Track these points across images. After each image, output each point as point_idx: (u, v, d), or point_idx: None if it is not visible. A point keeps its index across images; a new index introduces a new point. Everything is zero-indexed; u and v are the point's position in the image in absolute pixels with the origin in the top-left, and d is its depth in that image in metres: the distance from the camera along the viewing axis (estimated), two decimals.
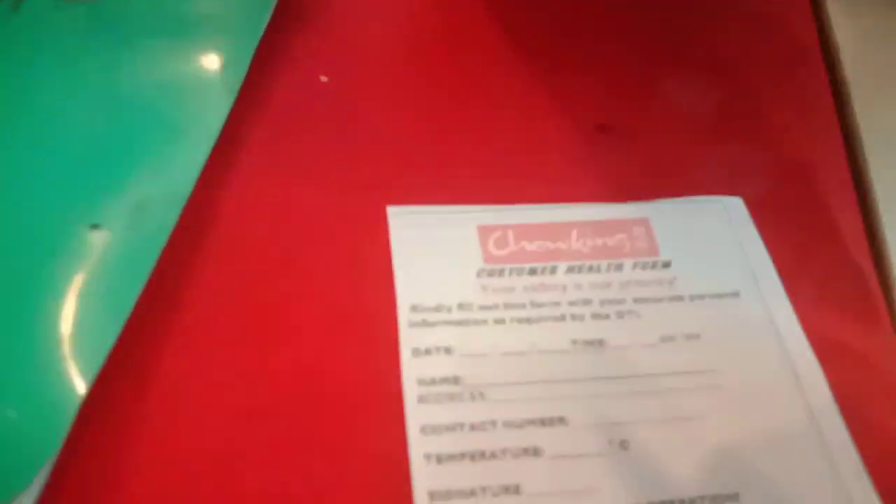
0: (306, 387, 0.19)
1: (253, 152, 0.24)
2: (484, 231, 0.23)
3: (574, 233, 0.23)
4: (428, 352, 0.20)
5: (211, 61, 0.25)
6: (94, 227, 0.20)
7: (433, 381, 0.20)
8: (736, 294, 0.22)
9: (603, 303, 0.22)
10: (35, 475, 0.16)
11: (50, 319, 0.18)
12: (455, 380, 0.20)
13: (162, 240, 0.20)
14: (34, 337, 0.18)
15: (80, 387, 0.17)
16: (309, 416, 0.19)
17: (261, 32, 0.25)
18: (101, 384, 0.18)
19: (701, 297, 0.22)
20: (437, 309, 0.21)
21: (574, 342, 0.21)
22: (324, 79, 0.27)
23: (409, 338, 0.21)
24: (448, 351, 0.21)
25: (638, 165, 0.25)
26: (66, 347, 0.18)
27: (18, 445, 0.17)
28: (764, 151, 0.27)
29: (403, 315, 0.21)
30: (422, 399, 0.20)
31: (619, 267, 0.23)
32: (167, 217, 0.20)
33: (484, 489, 0.18)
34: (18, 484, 0.16)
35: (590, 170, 0.25)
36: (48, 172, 0.21)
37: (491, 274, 0.22)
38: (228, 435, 0.18)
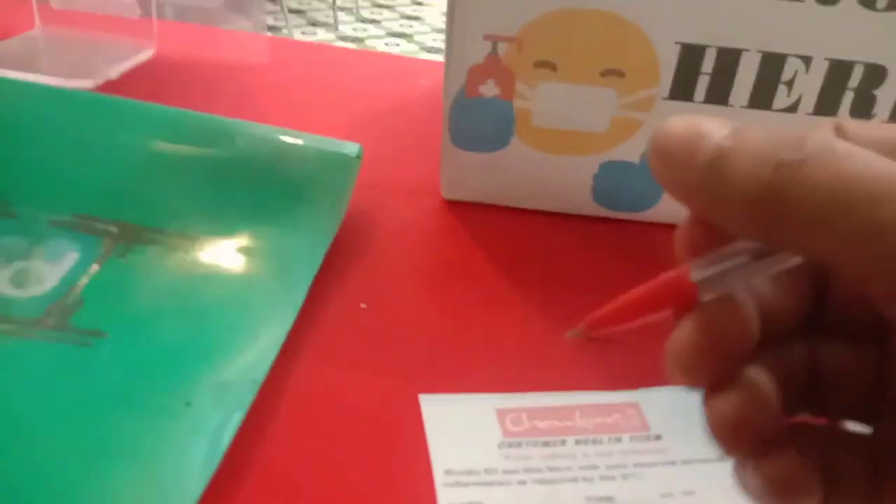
0: None
1: (310, 356, 0.30)
2: (501, 413, 0.28)
3: (577, 413, 0.28)
4: None
5: (279, 287, 0.32)
6: (188, 404, 0.25)
7: None
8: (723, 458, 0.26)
9: (608, 467, 0.26)
10: None
11: (144, 473, 0.23)
12: None
13: (240, 415, 0.25)
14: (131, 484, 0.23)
15: None
16: None
17: (316, 269, 0.32)
18: None
19: (690, 461, 0.26)
20: (468, 473, 0.25)
21: (588, 499, 0.25)
22: (363, 306, 0.33)
23: (445, 495, 0.24)
24: None
25: (626, 359, 0.31)
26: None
27: None
28: None
29: (439, 477, 0.25)
30: None
31: (619, 440, 0.27)
32: (245, 398, 0.26)
33: None
34: None
35: (585, 364, 0.30)
36: (157, 366, 0.27)
37: (510, 445, 0.26)
38: None
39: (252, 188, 0.35)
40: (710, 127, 0.16)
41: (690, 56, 0.36)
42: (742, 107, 0.37)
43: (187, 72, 0.53)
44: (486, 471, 0.25)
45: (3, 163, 0.34)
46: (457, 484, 0.25)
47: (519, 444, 0.26)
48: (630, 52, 0.36)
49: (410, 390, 0.28)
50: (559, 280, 0.36)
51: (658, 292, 0.18)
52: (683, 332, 0.17)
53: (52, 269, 0.31)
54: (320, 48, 0.62)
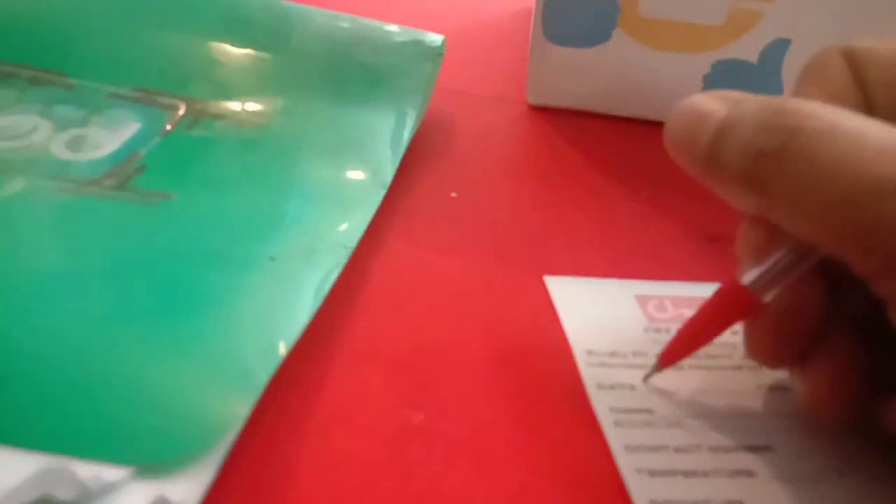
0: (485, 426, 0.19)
1: (398, 239, 0.25)
2: (642, 299, 0.24)
3: None
4: (612, 387, 0.20)
5: (368, 167, 0.28)
6: (272, 259, 0.21)
7: (626, 410, 0.19)
8: None
9: None
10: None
11: (224, 325, 0.19)
12: (648, 411, 0.19)
13: (334, 275, 0.21)
14: (224, 332, 0.19)
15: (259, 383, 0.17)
16: (507, 445, 0.18)
17: (401, 154, 0.28)
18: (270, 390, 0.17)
19: None
20: (613, 355, 0.21)
21: (758, 387, 0.21)
22: (454, 195, 0.29)
23: (591, 376, 0.20)
24: (633, 388, 0.20)
25: None
26: (249, 346, 0.18)
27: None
28: None
29: (581, 357, 0.21)
30: (618, 423, 0.19)
31: None
32: (336, 260, 0.22)
33: (707, 501, 0.17)
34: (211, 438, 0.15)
35: (707, 263, 0.26)
36: (232, 226, 0.23)
37: (658, 331, 0.22)
38: (394, 448, 0.17)
39: (329, 70, 0.31)
40: (710, 108, 0.16)
41: None
42: None
43: None
44: (635, 353, 0.21)
45: (60, 33, 0.31)
46: (602, 364, 0.21)
47: (668, 331, 0.22)
48: None
49: (528, 273, 0.24)
50: (667, 186, 0.32)
51: (718, 310, 0.18)
52: (758, 335, 0.18)
53: (112, 135, 0.27)
54: None
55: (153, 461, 0.15)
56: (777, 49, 0.34)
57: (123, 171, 0.25)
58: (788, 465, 0.18)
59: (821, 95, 0.16)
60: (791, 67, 0.35)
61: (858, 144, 0.13)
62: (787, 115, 0.14)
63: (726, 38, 0.35)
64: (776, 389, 0.20)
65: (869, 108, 0.16)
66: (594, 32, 0.35)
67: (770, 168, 0.14)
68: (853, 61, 0.16)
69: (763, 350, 0.18)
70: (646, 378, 0.20)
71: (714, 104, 0.16)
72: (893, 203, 0.13)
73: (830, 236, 0.14)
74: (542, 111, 0.37)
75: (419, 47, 0.32)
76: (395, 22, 0.34)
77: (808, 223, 0.14)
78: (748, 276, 0.17)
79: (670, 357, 0.19)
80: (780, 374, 0.21)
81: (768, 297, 0.17)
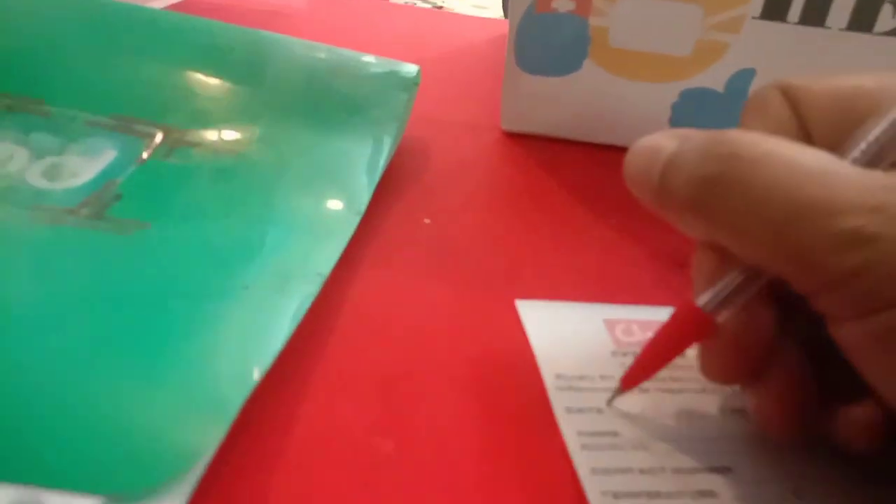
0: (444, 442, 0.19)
1: (372, 264, 0.26)
2: (610, 323, 0.24)
3: None
4: (581, 411, 0.20)
5: (344, 195, 0.28)
6: (246, 287, 0.22)
7: (593, 434, 0.20)
8: None
9: None
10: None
11: (205, 352, 0.19)
12: (614, 434, 0.20)
13: (306, 303, 0.21)
14: (198, 356, 0.19)
15: (233, 406, 0.17)
16: (475, 464, 0.18)
17: (376, 181, 0.29)
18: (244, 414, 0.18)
19: None
20: (581, 378, 0.22)
21: (721, 411, 0.21)
22: (427, 221, 0.29)
23: (559, 399, 0.21)
24: (599, 411, 0.20)
25: None
26: (221, 369, 0.19)
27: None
28: None
29: (550, 381, 0.21)
30: (585, 447, 0.19)
31: None
32: (309, 288, 0.22)
33: None
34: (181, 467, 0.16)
35: (675, 287, 0.27)
36: (207, 255, 0.23)
37: (625, 354, 0.23)
38: (365, 478, 0.18)
39: (306, 99, 0.32)
40: (662, 144, 0.17)
41: None
42: (840, 29, 0.34)
43: (219, 13, 0.50)
44: (602, 377, 0.22)
45: (38, 61, 0.31)
46: (570, 388, 0.21)
47: (635, 354, 0.23)
48: None
49: (500, 297, 0.25)
50: (636, 212, 0.32)
51: (675, 332, 0.19)
52: (712, 355, 0.19)
53: (89, 164, 0.28)
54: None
55: (124, 490, 0.15)
56: (743, 78, 0.35)
57: (100, 200, 0.26)
58: (749, 487, 0.18)
59: (762, 127, 0.17)
60: None
61: (791, 169, 0.14)
62: (725, 144, 0.15)
63: (694, 68, 0.36)
64: (738, 412, 0.21)
65: (808, 139, 0.17)
66: (566, 62, 0.36)
67: (712, 194, 0.15)
68: (790, 96, 0.17)
69: (717, 369, 0.19)
70: (609, 401, 0.20)
71: (665, 141, 0.17)
72: (823, 223, 0.14)
73: (770, 257, 0.15)
74: (515, 138, 0.38)
75: (395, 77, 0.33)
76: (371, 51, 0.34)
77: (749, 245, 0.15)
78: (702, 299, 0.18)
79: (632, 379, 0.20)
80: (736, 398, 0.22)
81: (721, 318, 0.18)
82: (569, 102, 0.37)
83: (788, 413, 0.18)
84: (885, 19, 0.34)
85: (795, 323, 0.18)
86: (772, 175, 0.14)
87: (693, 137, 0.16)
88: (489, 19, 0.60)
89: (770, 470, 0.19)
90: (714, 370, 0.19)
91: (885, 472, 0.19)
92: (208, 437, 0.17)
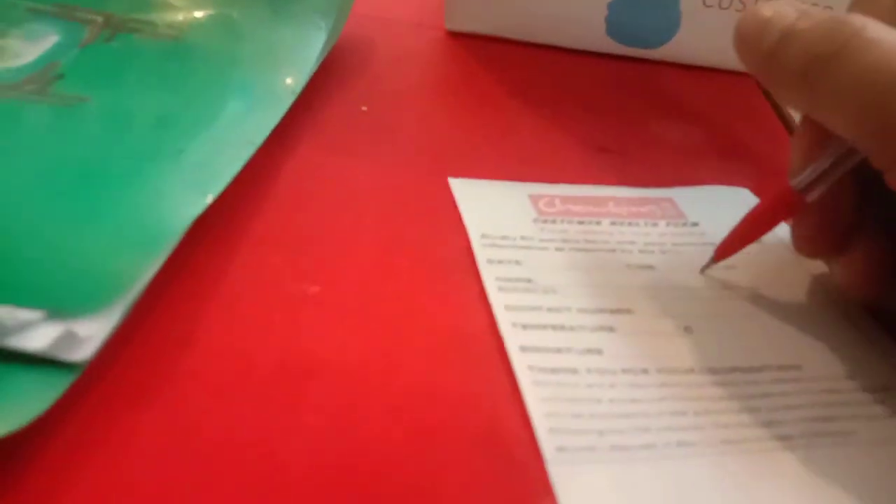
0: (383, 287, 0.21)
1: (309, 146, 0.27)
2: (534, 197, 0.26)
3: (611, 202, 0.27)
4: (500, 262, 0.22)
5: (279, 74, 0.29)
6: (181, 150, 0.24)
7: (509, 279, 0.22)
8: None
9: (646, 244, 0.25)
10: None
11: (140, 196, 0.21)
12: (529, 280, 0.22)
13: (237, 166, 0.23)
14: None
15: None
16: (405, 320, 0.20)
17: (315, 61, 0.30)
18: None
19: None
20: (504, 238, 0.23)
21: (628, 266, 0.23)
22: (364, 108, 0.31)
23: (482, 253, 0.23)
24: (518, 262, 0.22)
25: (643, 174, 0.29)
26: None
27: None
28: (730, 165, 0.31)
29: (475, 239, 0.23)
30: (502, 289, 0.21)
31: (655, 224, 0.26)
32: (242, 153, 0.24)
33: (569, 348, 0.19)
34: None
35: (610, 173, 0.29)
36: (146, 124, 0.25)
37: (545, 221, 0.25)
38: (291, 316, 0.20)
39: None
40: (781, 14, 0.18)
41: None
42: None
43: None
44: (523, 238, 0.24)
45: None
46: (493, 245, 0.23)
47: (554, 221, 0.25)
48: None
49: (434, 175, 0.26)
50: (567, 105, 0.34)
51: (769, 209, 0.21)
52: (803, 231, 0.21)
53: (31, 46, 0.28)
54: None
55: (65, 306, 0.17)
56: None
57: (43, 78, 0.26)
58: (645, 323, 0.21)
59: (873, 14, 0.18)
60: None
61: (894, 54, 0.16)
62: (848, 25, 0.17)
63: None
64: (642, 268, 0.23)
65: None
66: None
67: (824, 69, 0.17)
68: None
69: (806, 243, 0.21)
70: (703, 269, 0.23)
71: (784, 10, 0.18)
72: None
73: (860, 133, 0.17)
74: (458, 37, 0.39)
75: None
76: None
77: (845, 120, 0.17)
78: (796, 180, 0.20)
79: (725, 250, 0.22)
80: (643, 257, 0.24)
81: (812, 197, 0.20)
82: (513, 2, 0.38)
83: (868, 282, 0.20)
84: None
85: (875, 206, 0.21)
86: (884, 58, 0.16)
87: (814, 15, 0.18)
88: None
89: (665, 310, 0.21)
90: (804, 244, 0.21)
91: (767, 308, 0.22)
92: (142, 267, 0.18)
